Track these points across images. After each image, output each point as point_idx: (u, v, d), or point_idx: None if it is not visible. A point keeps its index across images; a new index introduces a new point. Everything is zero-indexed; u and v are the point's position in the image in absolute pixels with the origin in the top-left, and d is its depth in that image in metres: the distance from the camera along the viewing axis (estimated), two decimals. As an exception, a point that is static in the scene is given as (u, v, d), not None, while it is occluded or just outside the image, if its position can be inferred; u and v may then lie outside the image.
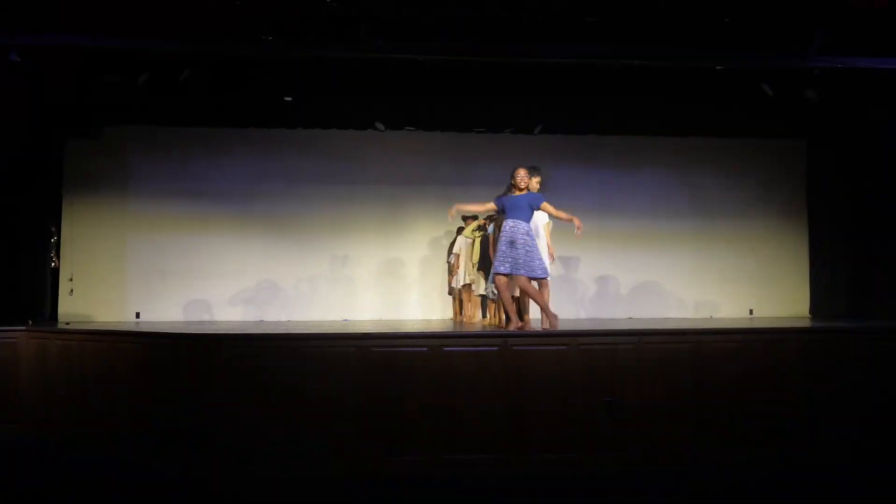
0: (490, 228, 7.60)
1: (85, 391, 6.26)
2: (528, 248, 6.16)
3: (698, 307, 10.49)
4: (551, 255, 6.94)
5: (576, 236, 6.46)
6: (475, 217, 8.66)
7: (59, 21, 6.65)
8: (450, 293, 9.63)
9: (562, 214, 6.35)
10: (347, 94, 8.74)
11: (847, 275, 10.20)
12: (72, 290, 9.67)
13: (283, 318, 9.89)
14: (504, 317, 7.36)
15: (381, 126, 9.85)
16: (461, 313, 9.44)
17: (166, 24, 6.82)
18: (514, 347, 5.70)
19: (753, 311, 10.49)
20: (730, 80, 8.23)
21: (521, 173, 6.38)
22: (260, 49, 7.06)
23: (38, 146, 9.15)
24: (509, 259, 6.20)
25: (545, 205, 6.36)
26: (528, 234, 6.24)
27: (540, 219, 6.72)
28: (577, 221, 6.28)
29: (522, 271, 6.18)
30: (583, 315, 10.39)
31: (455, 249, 9.15)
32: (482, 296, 8.42)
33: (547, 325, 6.48)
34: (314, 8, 6.65)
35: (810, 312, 10.50)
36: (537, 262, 6.24)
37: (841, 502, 4.94)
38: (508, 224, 6.24)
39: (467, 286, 8.84)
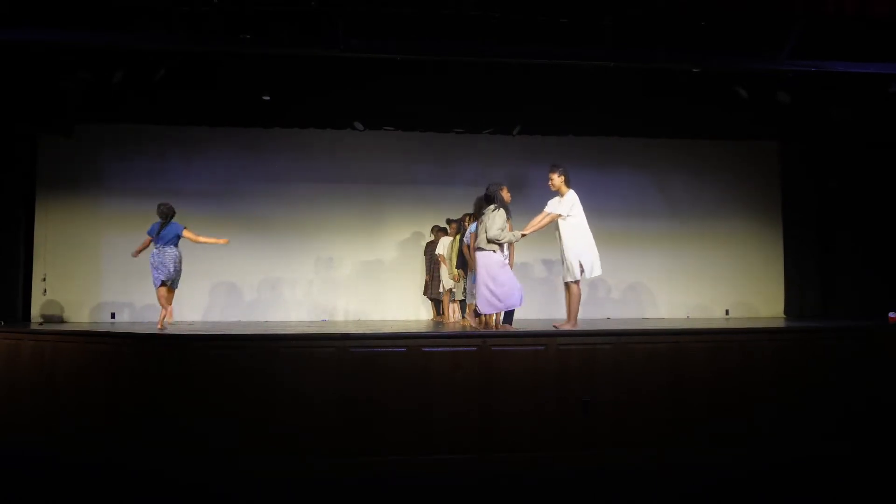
0: (473, 227, 7.63)
1: (57, 392, 6.17)
2: None
3: (675, 308, 10.60)
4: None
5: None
6: (458, 220, 8.70)
7: (28, 15, 6.55)
8: (430, 295, 9.64)
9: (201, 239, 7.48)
10: (326, 94, 8.70)
11: (819, 274, 10.37)
12: (45, 290, 9.54)
13: (261, 319, 9.83)
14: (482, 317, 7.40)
15: (359, 126, 9.82)
16: (439, 313, 9.47)
17: (141, 20, 6.75)
18: (493, 348, 5.72)
19: (729, 312, 10.62)
20: (705, 83, 8.33)
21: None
22: (237, 47, 7.00)
23: (4, 143, 9.01)
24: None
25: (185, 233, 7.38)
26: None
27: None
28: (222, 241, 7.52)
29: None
30: (561, 316, 10.42)
31: (439, 250, 9.17)
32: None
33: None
34: (292, 6, 6.62)
35: (785, 312, 10.65)
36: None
37: (815, 499, 5.02)
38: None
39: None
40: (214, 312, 9.88)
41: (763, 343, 6.16)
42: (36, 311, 9.46)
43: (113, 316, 9.60)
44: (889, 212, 9.54)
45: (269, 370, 5.59)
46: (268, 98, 8.67)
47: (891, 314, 8.09)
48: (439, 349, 5.70)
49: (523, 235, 6.56)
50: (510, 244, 7.28)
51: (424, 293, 9.75)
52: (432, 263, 9.40)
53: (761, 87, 8.45)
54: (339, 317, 10.12)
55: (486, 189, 6.57)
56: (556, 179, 6.70)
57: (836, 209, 10.22)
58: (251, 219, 10.05)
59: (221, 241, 7.60)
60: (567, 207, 6.58)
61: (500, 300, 6.31)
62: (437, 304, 9.56)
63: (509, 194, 6.70)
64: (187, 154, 10.03)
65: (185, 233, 7.45)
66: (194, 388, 5.59)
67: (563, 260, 6.66)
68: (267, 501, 4.95)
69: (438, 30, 6.92)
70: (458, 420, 5.60)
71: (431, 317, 9.86)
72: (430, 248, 9.62)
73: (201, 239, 7.55)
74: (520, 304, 6.46)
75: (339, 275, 10.27)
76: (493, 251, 6.31)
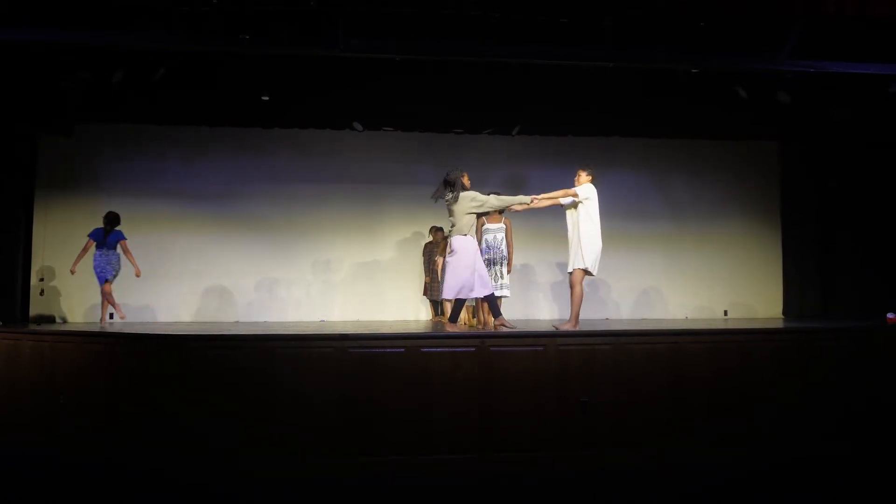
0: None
1: (57, 392, 6.16)
2: None
3: (674, 308, 10.59)
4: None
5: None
6: None
7: (28, 15, 6.55)
8: (430, 296, 9.63)
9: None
10: (325, 94, 8.69)
11: (819, 274, 10.37)
12: (42, 291, 9.54)
13: (260, 319, 9.83)
14: (481, 318, 7.40)
15: (359, 126, 9.82)
16: (439, 313, 9.46)
17: (141, 20, 6.75)
18: (492, 348, 5.72)
19: (728, 312, 10.62)
20: (705, 83, 8.33)
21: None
22: (237, 47, 7.00)
23: (4, 143, 9.00)
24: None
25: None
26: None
27: None
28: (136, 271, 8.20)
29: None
30: (560, 316, 10.43)
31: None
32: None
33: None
34: (292, 6, 6.62)
35: (784, 312, 10.65)
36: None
37: (815, 499, 5.02)
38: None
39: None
40: (213, 312, 9.87)
41: (762, 343, 6.17)
42: (35, 311, 9.45)
43: (112, 316, 9.58)
44: (889, 212, 9.55)
45: (269, 370, 5.59)
46: (267, 98, 8.66)
47: (889, 315, 8.09)
48: (439, 349, 5.71)
49: (533, 200, 6.61)
50: (507, 235, 7.32)
51: (424, 294, 9.74)
52: (431, 264, 9.38)
53: (761, 87, 8.45)
54: (338, 317, 10.11)
55: (447, 175, 6.55)
56: (584, 177, 6.78)
57: (836, 209, 10.22)
58: (251, 219, 10.05)
59: (136, 269, 8.28)
60: (584, 192, 6.65)
61: (489, 283, 6.53)
62: (436, 304, 9.56)
63: (470, 181, 6.70)
64: (187, 154, 10.02)
65: (124, 243, 8.26)
66: (194, 388, 5.59)
67: (573, 247, 6.66)
68: (267, 501, 4.95)
69: (438, 30, 6.92)
70: (458, 420, 5.60)
71: (431, 317, 9.86)
72: (429, 248, 9.62)
73: (129, 255, 8.30)
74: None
75: (339, 275, 10.27)
76: (474, 237, 6.48)
